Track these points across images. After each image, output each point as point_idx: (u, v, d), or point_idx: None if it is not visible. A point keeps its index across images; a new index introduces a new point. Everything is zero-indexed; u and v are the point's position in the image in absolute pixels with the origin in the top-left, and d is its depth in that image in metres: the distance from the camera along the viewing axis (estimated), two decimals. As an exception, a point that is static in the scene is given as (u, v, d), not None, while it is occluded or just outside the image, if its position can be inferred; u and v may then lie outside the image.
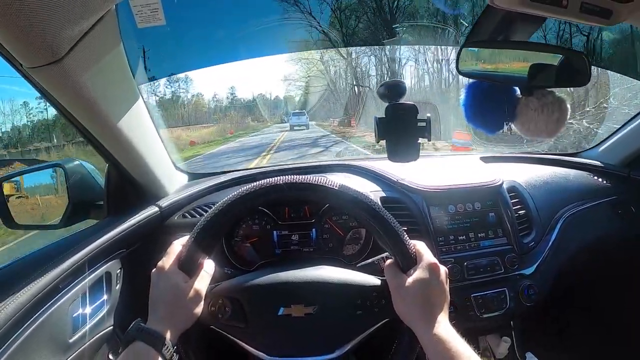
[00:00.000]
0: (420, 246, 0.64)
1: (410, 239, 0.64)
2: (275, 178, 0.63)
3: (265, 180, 0.63)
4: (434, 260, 0.62)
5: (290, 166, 1.19)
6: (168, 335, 0.56)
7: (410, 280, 0.59)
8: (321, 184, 0.62)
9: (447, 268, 0.87)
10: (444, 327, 0.56)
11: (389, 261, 0.64)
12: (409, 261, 0.61)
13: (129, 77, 0.73)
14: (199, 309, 0.61)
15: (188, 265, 0.61)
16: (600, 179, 1.17)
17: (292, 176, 0.63)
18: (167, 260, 0.61)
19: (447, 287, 0.61)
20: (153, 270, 0.61)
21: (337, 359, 0.62)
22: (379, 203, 0.64)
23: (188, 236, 0.63)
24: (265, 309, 0.63)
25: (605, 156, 1.23)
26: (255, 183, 0.63)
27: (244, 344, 0.62)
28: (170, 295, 0.59)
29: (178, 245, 0.64)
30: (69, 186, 0.86)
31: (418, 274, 0.60)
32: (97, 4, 0.53)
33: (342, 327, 0.63)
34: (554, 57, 0.73)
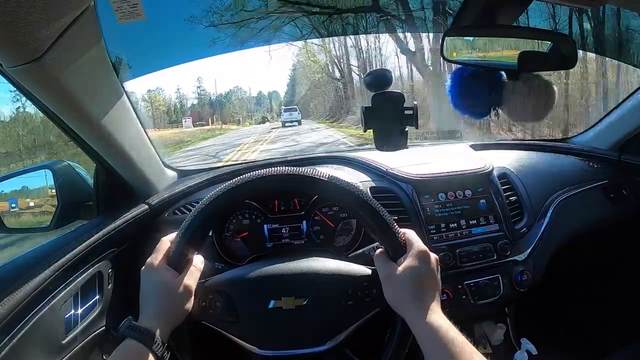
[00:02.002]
0: (410, 234, 0.63)
1: (401, 227, 0.63)
2: (262, 170, 0.63)
3: (251, 173, 0.63)
4: (424, 247, 0.61)
5: (280, 159, 1.18)
6: (159, 331, 0.55)
7: (400, 268, 0.59)
8: (309, 175, 0.62)
9: (439, 256, 0.87)
10: (435, 315, 0.56)
11: (378, 250, 0.64)
12: (398, 250, 0.61)
13: (112, 75, 0.72)
14: (189, 305, 0.60)
15: (177, 261, 0.61)
16: (591, 164, 1.18)
17: (279, 168, 0.63)
18: (156, 257, 0.61)
19: (438, 275, 0.61)
20: (142, 268, 0.61)
21: (330, 350, 0.62)
22: (368, 192, 0.63)
23: (176, 232, 0.63)
24: (256, 303, 0.62)
25: (595, 141, 1.23)
26: (241, 176, 0.63)
27: (235, 339, 0.62)
28: (160, 292, 0.59)
29: (166, 242, 0.63)
30: (58, 188, 0.85)
31: (408, 262, 0.59)
32: (73, 2, 0.52)
33: (333, 319, 0.63)
34: (540, 41, 0.73)
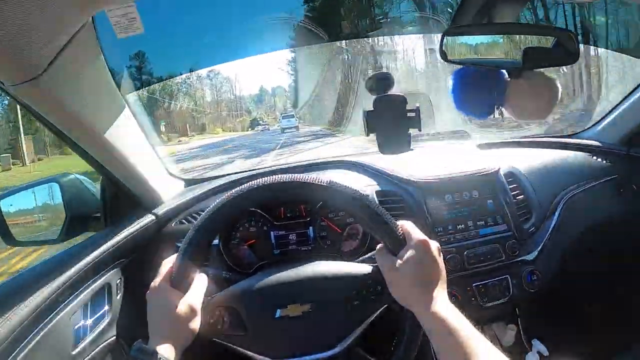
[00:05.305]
0: (408, 226, 0.63)
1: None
2: (254, 181, 0.63)
3: (243, 185, 0.63)
4: (424, 237, 0.60)
5: (284, 166, 1.18)
6: (169, 354, 0.55)
7: (401, 261, 0.58)
8: (301, 180, 0.62)
9: (447, 258, 0.86)
10: (441, 304, 0.56)
11: (378, 246, 0.63)
12: (397, 242, 0.60)
13: (113, 88, 0.73)
14: (196, 324, 0.60)
15: (180, 282, 0.61)
16: (599, 159, 1.16)
17: (271, 177, 0.63)
18: (159, 280, 0.61)
19: (441, 262, 0.60)
20: (147, 292, 0.61)
21: (341, 353, 0.62)
22: (367, 194, 0.63)
23: (177, 254, 0.63)
24: (262, 314, 0.62)
25: (603, 135, 1.21)
26: (233, 190, 0.63)
27: (246, 352, 0.62)
28: (167, 314, 0.59)
29: (168, 263, 0.64)
30: (65, 201, 0.86)
31: (409, 253, 0.58)
32: (72, 19, 0.52)
33: (341, 321, 0.63)
34: (540, 37, 0.72)
